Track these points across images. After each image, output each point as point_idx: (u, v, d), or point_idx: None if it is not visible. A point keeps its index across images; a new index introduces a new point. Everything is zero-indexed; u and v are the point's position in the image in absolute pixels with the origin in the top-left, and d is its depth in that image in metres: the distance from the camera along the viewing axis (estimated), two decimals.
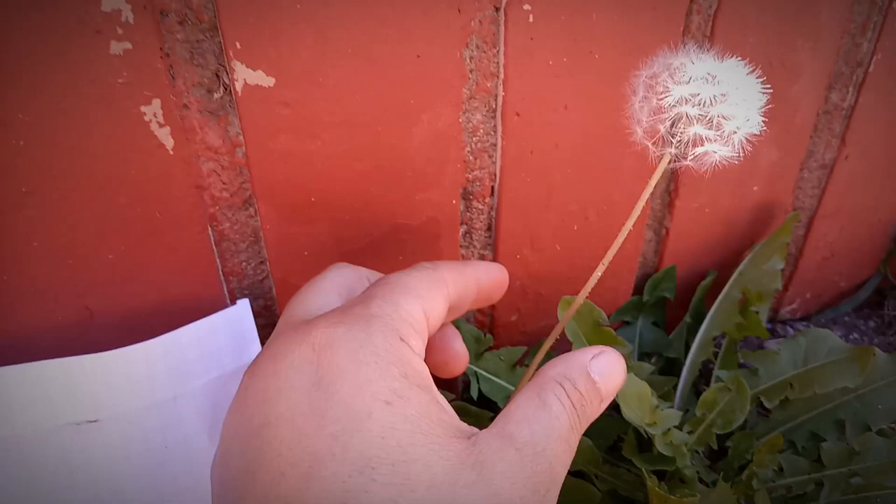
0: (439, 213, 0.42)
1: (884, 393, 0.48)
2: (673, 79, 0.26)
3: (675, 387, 0.50)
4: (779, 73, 0.46)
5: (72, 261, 0.35)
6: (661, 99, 0.26)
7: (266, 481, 0.23)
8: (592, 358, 0.31)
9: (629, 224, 0.29)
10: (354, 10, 0.33)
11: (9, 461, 0.34)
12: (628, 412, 0.41)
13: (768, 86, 0.28)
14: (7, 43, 0.29)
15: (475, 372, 0.46)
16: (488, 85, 0.39)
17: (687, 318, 0.53)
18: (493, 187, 0.43)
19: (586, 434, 0.44)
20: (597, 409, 0.31)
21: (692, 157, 0.27)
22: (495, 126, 0.40)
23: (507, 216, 0.44)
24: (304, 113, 0.35)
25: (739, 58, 0.27)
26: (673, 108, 0.26)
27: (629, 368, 0.45)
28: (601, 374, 0.31)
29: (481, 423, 0.45)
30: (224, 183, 0.37)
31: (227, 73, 0.33)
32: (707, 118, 0.26)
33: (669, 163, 0.27)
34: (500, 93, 0.39)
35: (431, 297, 0.30)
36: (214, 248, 0.38)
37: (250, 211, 0.38)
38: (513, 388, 0.46)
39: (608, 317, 0.47)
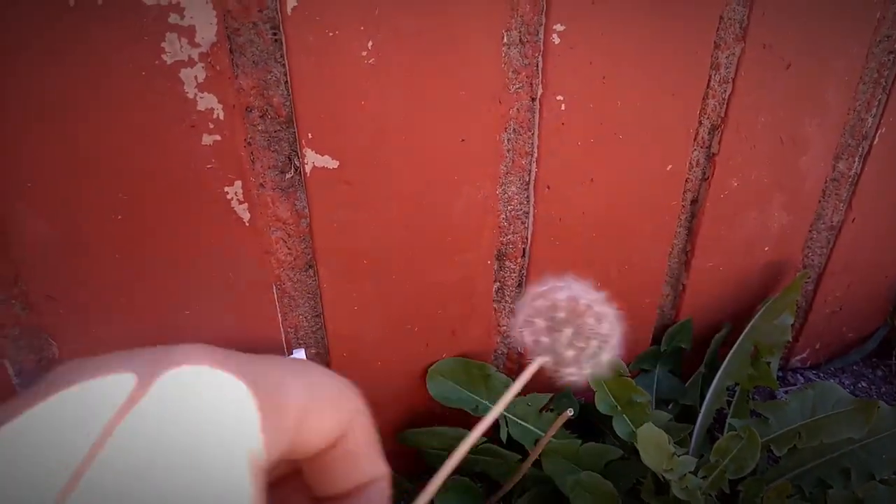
0: (475, 272, 0.47)
1: (888, 443, 0.51)
2: (557, 306, 0.29)
3: (690, 433, 0.54)
4: (788, 146, 0.50)
5: (152, 314, 0.40)
6: (545, 319, 0.30)
7: None
8: None
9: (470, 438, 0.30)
10: (409, 102, 0.38)
11: None
12: (647, 458, 0.44)
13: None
14: (117, 135, 0.34)
15: (505, 416, 0.50)
16: (523, 162, 0.44)
17: (702, 368, 0.57)
18: (524, 249, 0.47)
19: (607, 477, 0.48)
20: None
21: (564, 373, 0.30)
22: (528, 197, 0.45)
23: (536, 274, 0.48)
24: (362, 189, 0.40)
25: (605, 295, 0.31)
26: (553, 329, 0.30)
27: (648, 417, 0.49)
28: None
29: (509, 464, 0.49)
30: (289, 249, 0.42)
31: (299, 158, 0.38)
32: (582, 343, 0.30)
33: (544, 367, 0.31)
34: (534, 169, 0.44)
35: None
36: (277, 303, 0.43)
37: (310, 272, 0.43)
38: (540, 433, 0.50)
39: (627, 365, 0.51)
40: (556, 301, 0.28)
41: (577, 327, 0.29)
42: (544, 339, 0.28)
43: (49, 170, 0.34)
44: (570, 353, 0.29)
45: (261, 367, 0.23)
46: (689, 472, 0.47)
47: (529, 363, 0.29)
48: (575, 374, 0.29)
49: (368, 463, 0.27)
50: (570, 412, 0.42)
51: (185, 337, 0.42)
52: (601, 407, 0.49)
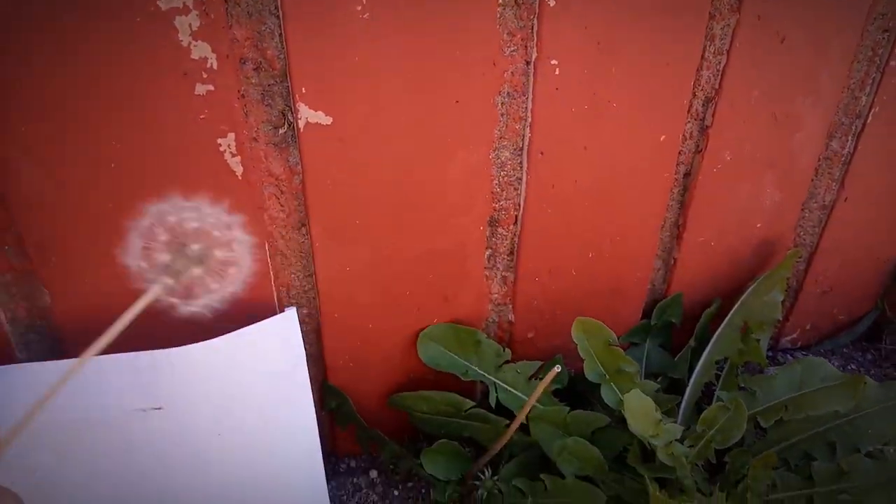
0: (468, 237, 0.47)
1: (874, 418, 0.52)
2: (166, 227, 0.28)
3: (678, 404, 0.54)
4: (782, 122, 0.51)
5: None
6: (161, 240, 0.28)
7: None
8: None
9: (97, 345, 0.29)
10: (404, 62, 0.38)
11: (78, 442, 0.39)
12: (634, 424, 0.45)
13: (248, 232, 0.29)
14: (108, 82, 0.34)
15: (494, 382, 0.51)
16: (517, 127, 0.44)
17: (692, 342, 0.57)
18: (517, 216, 0.48)
19: (594, 444, 0.49)
20: None
21: (192, 294, 0.29)
22: (521, 163, 0.45)
23: (529, 242, 0.49)
24: (355, 147, 0.41)
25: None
26: (168, 250, 0.28)
27: (636, 386, 0.50)
28: None
29: (497, 429, 0.50)
30: (282, 205, 0.42)
31: (292, 113, 0.39)
32: (204, 260, 0.28)
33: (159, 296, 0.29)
34: (528, 134, 0.44)
35: None
36: (269, 261, 0.43)
37: (303, 231, 0.43)
38: (527, 399, 0.51)
39: (618, 338, 0.51)
40: (183, 222, 0.28)
41: (203, 250, 0.28)
42: (163, 262, 0.28)
43: (42, 115, 0.35)
44: (192, 278, 0.28)
45: None
46: (676, 441, 0.47)
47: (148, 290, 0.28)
48: (197, 304, 0.28)
49: None
50: (557, 369, 0.42)
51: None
52: (589, 375, 0.50)
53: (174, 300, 0.28)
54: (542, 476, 0.47)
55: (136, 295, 0.42)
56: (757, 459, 0.48)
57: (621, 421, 0.51)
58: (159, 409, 0.39)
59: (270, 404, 0.43)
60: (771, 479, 0.50)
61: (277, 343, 0.43)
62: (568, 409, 0.50)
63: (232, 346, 0.41)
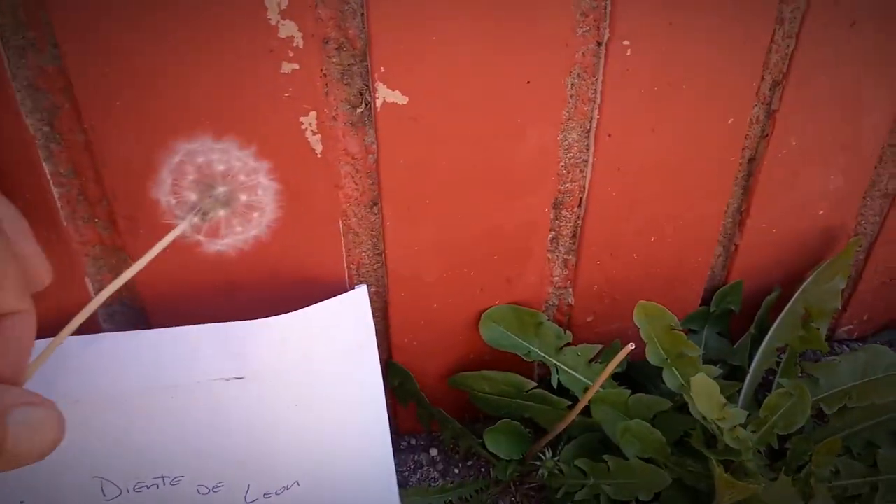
0: (532, 219, 0.48)
1: None
2: (197, 164, 0.29)
3: (738, 391, 0.54)
4: (849, 109, 0.50)
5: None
6: (189, 178, 0.29)
7: None
8: (24, 405, 0.26)
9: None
10: (478, 43, 0.39)
11: (165, 408, 0.41)
12: (701, 406, 0.45)
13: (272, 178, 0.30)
14: (199, 57, 0.36)
15: (555, 365, 0.51)
16: (585, 108, 0.44)
17: (752, 330, 0.57)
18: (581, 199, 0.48)
19: (657, 426, 0.49)
20: None
21: (219, 234, 0.29)
22: (588, 145, 0.46)
23: (592, 225, 0.49)
24: (429, 127, 0.41)
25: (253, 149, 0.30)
26: (196, 189, 0.29)
27: (699, 370, 0.50)
28: (19, 426, 0.26)
29: (557, 411, 0.50)
30: (356, 184, 0.43)
31: (370, 92, 0.40)
32: (231, 201, 0.29)
33: (186, 232, 0.30)
34: (596, 115, 0.44)
35: None
36: (342, 238, 0.44)
37: (375, 209, 0.44)
38: (588, 382, 0.51)
39: None
40: (211, 163, 0.28)
41: (230, 192, 0.29)
42: (191, 200, 0.28)
43: (134, 88, 0.36)
44: (217, 218, 0.29)
45: None
46: (739, 425, 0.47)
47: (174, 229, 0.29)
48: (221, 244, 0.29)
49: (4, 292, 0.27)
50: (631, 346, 0.42)
51: (253, 266, 0.43)
52: (651, 359, 0.50)
53: (200, 238, 0.29)
54: (605, 457, 0.48)
55: (221, 270, 0.44)
56: (821, 445, 0.48)
57: (681, 406, 0.52)
58: (241, 378, 0.40)
59: (342, 379, 0.44)
60: (834, 466, 0.49)
61: (349, 319, 0.44)
62: (630, 392, 0.50)
63: (307, 320, 0.42)
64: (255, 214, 0.30)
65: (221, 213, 0.29)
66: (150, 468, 0.42)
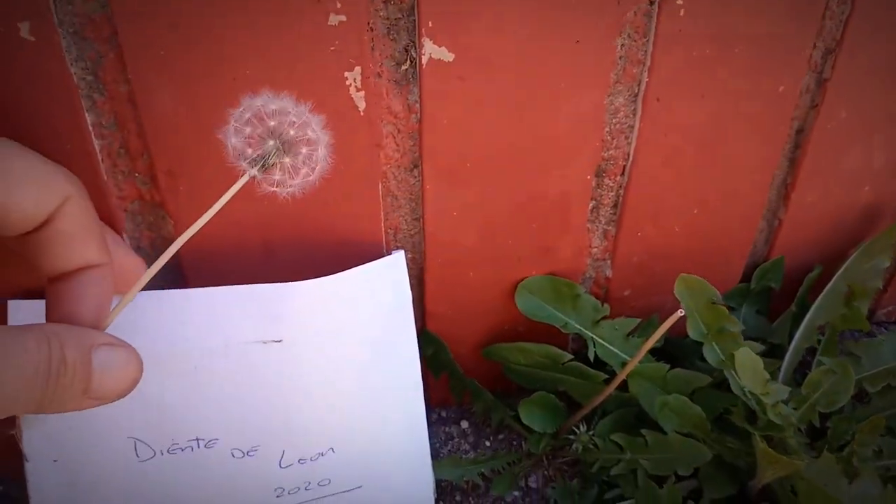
0: (573, 186, 0.47)
1: None
2: (259, 115, 0.31)
3: (778, 369, 0.53)
4: None
5: (253, 205, 0.41)
6: (252, 128, 0.31)
7: None
8: (104, 345, 0.28)
9: (196, 226, 0.33)
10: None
11: (202, 369, 0.40)
12: (745, 380, 0.44)
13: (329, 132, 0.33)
14: (245, 10, 0.35)
15: (592, 338, 0.50)
16: (634, 71, 0.43)
17: (792, 308, 0.56)
18: (624, 167, 0.47)
19: (697, 402, 0.48)
20: (75, 397, 0.27)
21: (274, 180, 0.32)
22: (635, 109, 0.44)
23: (634, 195, 0.48)
24: (474, 86, 0.40)
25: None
26: (259, 138, 0.32)
27: (740, 346, 0.48)
28: (103, 365, 0.28)
29: (594, 384, 0.49)
30: (397, 144, 0.42)
31: (416, 49, 0.39)
32: (289, 150, 0.32)
33: (254, 181, 0.32)
34: (645, 79, 0.43)
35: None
36: (381, 201, 0.44)
37: (415, 173, 0.43)
38: (626, 357, 0.50)
39: None
40: (265, 111, 0.31)
41: (284, 137, 0.32)
42: (252, 150, 0.31)
43: (179, 39, 0.35)
44: (278, 163, 0.32)
45: None
46: (781, 402, 0.46)
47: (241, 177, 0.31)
48: (285, 186, 0.32)
49: (85, 247, 0.31)
50: (680, 312, 0.41)
51: (292, 226, 0.43)
52: (692, 333, 0.49)
53: (264, 186, 0.32)
54: (643, 431, 0.47)
55: (256, 231, 0.43)
56: (864, 424, 0.46)
57: (720, 383, 0.51)
58: (279, 341, 0.40)
59: (378, 344, 0.43)
60: (877, 445, 0.48)
61: (386, 284, 0.43)
62: (668, 366, 0.49)
63: (345, 284, 0.42)
64: (312, 163, 0.33)
65: (286, 160, 0.32)
66: (184, 430, 0.41)
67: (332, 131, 0.39)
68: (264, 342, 0.40)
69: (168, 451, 0.41)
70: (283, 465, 0.42)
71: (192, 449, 0.41)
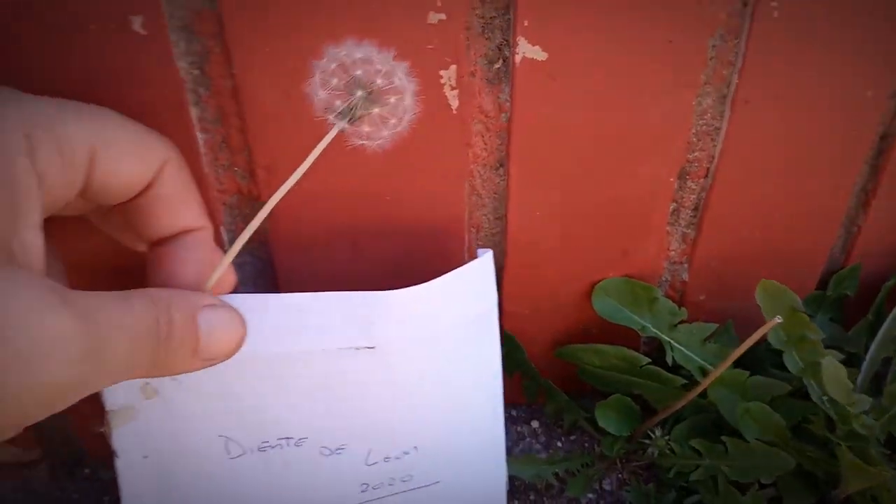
0: (656, 188, 0.46)
1: None
2: (344, 65, 0.30)
3: (854, 379, 0.52)
4: None
5: (342, 201, 0.41)
6: (337, 79, 0.30)
7: None
8: (208, 306, 0.29)
9: (289, 183, 0.32)
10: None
11: (295, 372, 0.40)
12: (830, 390, 0.43)
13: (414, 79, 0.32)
14: (349, 9, 0.35)
15: (669, 342, 0.50)
16: (724, 72, 0.43)
17: (869, 316, 0.54)
18: (708, 169, 0.46)
19: (775, 410, 0.47)
20: (185, 359, 0.27)
21: (363, 133, 0.31)
22: (723, 111, 0.44)
23: (717, 198, 0.47)
24: (564, 86, 0.40)
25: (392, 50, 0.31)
26: (346, 88, 0.31)
27: (821, 354, 0.48)
28: (209, 325, 0.28)
29: (670, 389, 0.48)
30: (485, 143, 0.42)
31: (510, 47, 0.39)
32: (376, 100, 0.31)
33: (343, 133, 0.31)
34: (735, 80, 0.43)
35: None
36: (466, 200, 0.44)
37: (500, 171, 0.44)
38: (702, 362, 0.49)
39: None
40: (351, 62, 0.30)
41: (371, 87, 0.30)
42: (339, 102, 0.30)
43: (282, 36, 0.36)
44: (366, 115, 0.31)
45: (35, 105, 0.24)
46: (863, 412, 0.45)
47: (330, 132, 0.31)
48: (374, 139, 0.31)
49: (186, 210, 0.31)
50: (778, 319, 0.41)
51: (379, 221, 0.43)
52: (772, 340, 0.48)
53: (353, 139, 0.32)
54: (723, 438, 0.46)
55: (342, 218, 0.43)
56: None
57: (798, 391, 0.50)
58: (371, 348, 0.40)
59: (464, 348, 0.43)
60: None
61: (474, 287, 0.43)
62: (748, 373, 0.48)
63: (435, 293, 0.41)
64: (399, 112, 0.32)
65: (375, 110, 0.31)
66: (275, 430, 0.41)
67: (426, 128, 0.40)
68: (356, 348, 0.40)
69: (258, 449, 0.41)
70: (368, 463, 0.42)
71: (282, 447, 0.41)
